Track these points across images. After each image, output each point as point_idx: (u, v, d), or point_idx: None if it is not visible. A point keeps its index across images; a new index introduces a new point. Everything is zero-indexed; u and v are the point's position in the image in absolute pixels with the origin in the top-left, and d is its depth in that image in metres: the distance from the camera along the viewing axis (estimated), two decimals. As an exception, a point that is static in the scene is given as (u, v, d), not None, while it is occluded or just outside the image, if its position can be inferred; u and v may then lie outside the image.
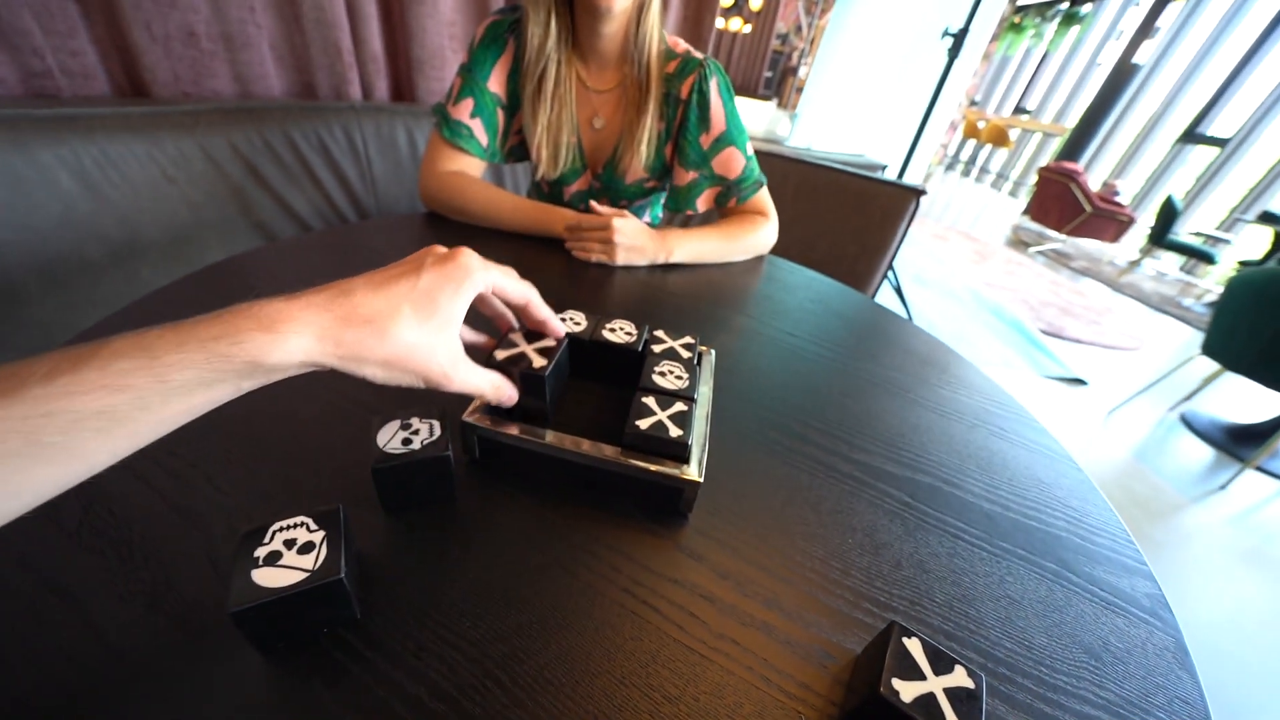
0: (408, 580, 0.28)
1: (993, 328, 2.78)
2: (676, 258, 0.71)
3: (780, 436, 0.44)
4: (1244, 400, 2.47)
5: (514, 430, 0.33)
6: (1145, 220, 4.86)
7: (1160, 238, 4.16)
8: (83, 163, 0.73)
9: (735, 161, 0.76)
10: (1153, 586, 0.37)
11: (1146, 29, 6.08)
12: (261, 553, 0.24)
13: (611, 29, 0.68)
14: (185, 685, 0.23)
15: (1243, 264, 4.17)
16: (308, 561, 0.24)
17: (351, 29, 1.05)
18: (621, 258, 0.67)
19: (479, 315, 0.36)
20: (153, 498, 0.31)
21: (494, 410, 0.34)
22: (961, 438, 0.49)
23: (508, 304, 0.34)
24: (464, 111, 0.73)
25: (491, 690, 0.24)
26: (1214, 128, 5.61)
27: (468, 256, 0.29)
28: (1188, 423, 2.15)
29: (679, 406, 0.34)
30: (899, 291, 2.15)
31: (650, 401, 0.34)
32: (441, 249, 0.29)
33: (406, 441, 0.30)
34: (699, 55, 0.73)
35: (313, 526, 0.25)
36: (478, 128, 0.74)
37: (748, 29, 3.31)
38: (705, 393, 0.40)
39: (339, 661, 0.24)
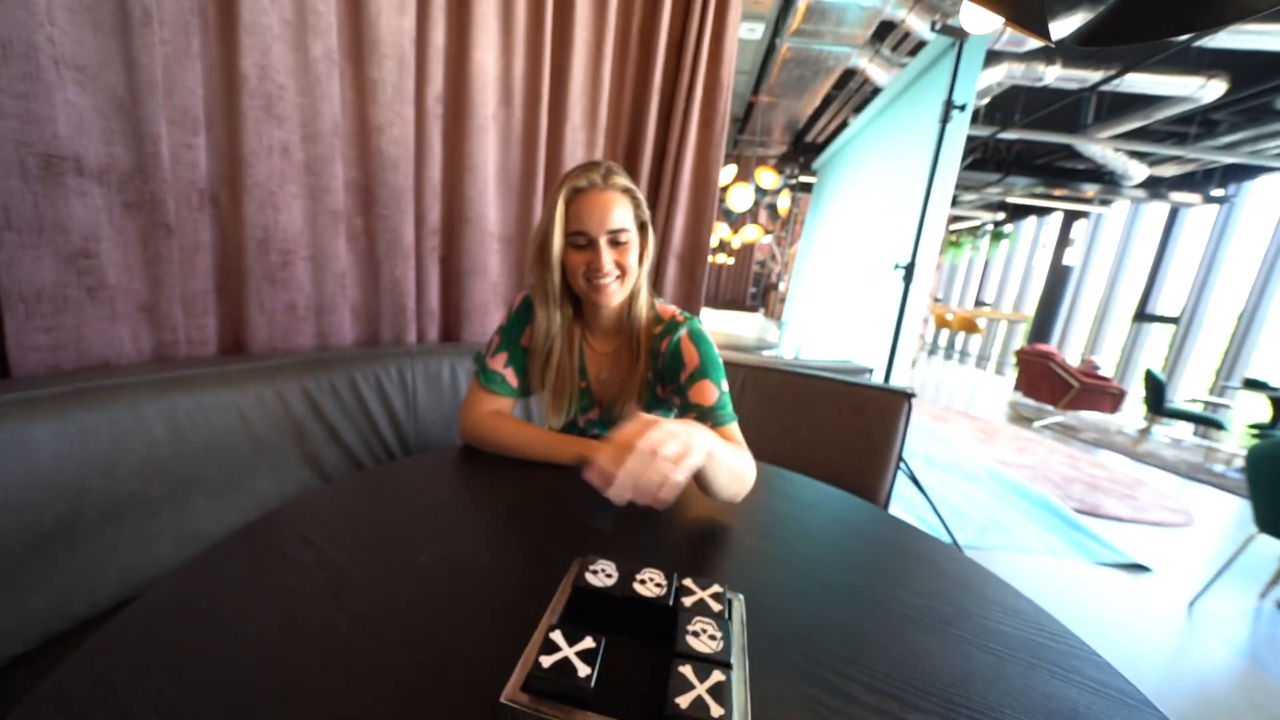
0: None
1: (1024, 510, 2.65)
2: (705, 461, 0.59)
3: (822, 695, 0.41)
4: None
5: (550, 711, 0.33)
6: (1135, 389, 5.04)
7: (1157, 407, 4.26)
8: (177, 414, 0.84)
9: (709, 391, 0.80)
10: None
11: (1064, 240, 7.28)
12: None
13: (609, 312, 0.86)
14: None
15: (1253, 427, 4.16)
16: None
17: (417, 293, 1.31)
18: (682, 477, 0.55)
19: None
20: None
21: (530, 687, 0.34)
22: (1020, 684, 0.45)
23: None
24: (499, 362, 0.88)
25: None
26: (1160, 308, 6.24)
27: None
28: (1288, 616, 1.89)
29: (717, 676, 0.34)
30: (914, 480, 2.13)
31: (687, 671, 0.34)
32: None
33: None
34: (681, 318, 0.87)
35: None
36: (510, 375, 0.88)
37: (731, 261, 4.02)
38: (739, 655, 0.40)
39: None
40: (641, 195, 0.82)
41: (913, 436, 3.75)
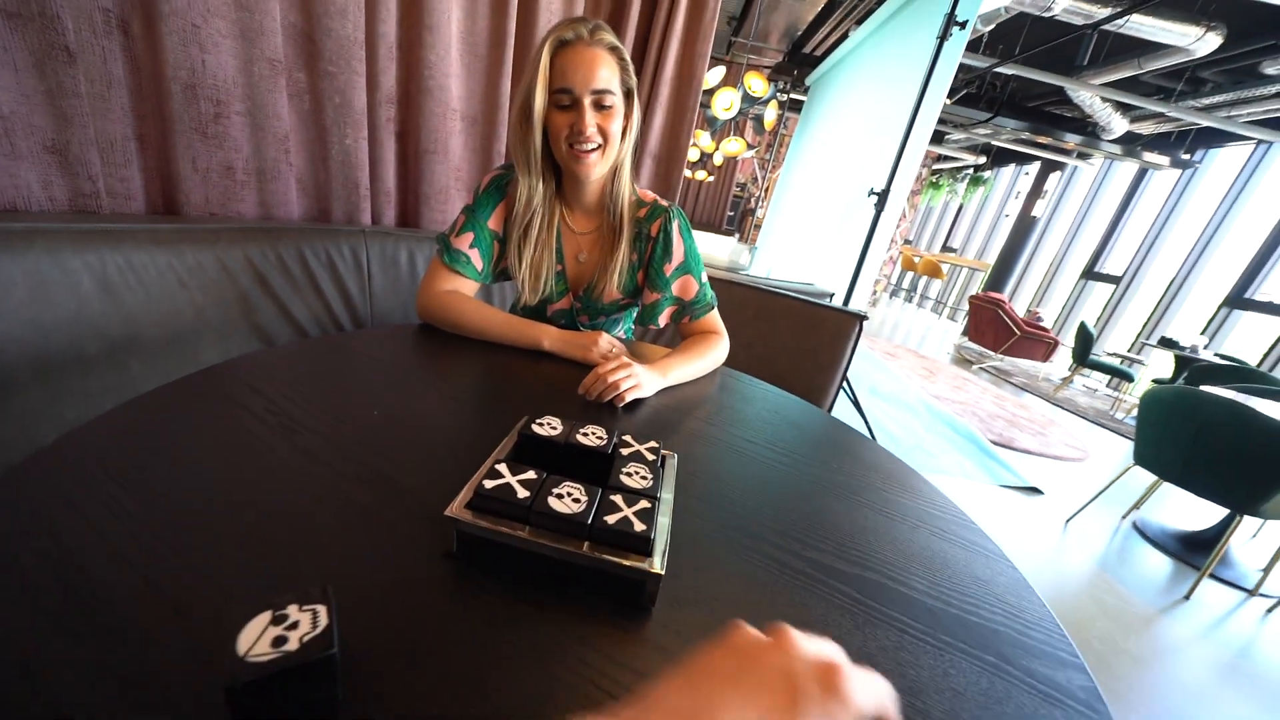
0: (386, 662, 0.29)
1: (949, 439, 2.92)
2: (669, 383, 0.78)
3: (738, 535, 0.47)
4: (1189, 507, 2.59)
5: (491, 524, 0.37)
6: (1068, 342, 5.42)
7: (1083, 358, 4.62)
8: (106, 269, 0.79)
9: (691, 286, 0.91)
10: (1086, 680, 0.40)
11: (1037, 191, 7.35)
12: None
13: (591, 187, 0.84)
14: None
15: (1156, 382, 4.61)
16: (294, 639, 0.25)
17: (371, 170, 1.22)
18: (636, 395, 0.71)
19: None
20: (136, 580, 0.32)
21: (474, 505, 0.38)
22: (905, 538, 0.53)
23: None
24: (464, 242, 0.85)
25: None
26: (1107, 267, 6.55)
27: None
28: (1140, 531, 2.23)
29: (643, 504, 0.38)
30: (856, 404, 2.28)
31: (617, 499, 0.38)
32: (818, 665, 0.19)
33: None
34: (665, 203, 0.90)
35: (303, 607, 0.27)
36: (475, 256, 0.86)
37: (711, 179, 3.88)
38: (667, 495, 0.44)
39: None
40: (629, 58, 0.77)
41: (863, 369, 3.96)
